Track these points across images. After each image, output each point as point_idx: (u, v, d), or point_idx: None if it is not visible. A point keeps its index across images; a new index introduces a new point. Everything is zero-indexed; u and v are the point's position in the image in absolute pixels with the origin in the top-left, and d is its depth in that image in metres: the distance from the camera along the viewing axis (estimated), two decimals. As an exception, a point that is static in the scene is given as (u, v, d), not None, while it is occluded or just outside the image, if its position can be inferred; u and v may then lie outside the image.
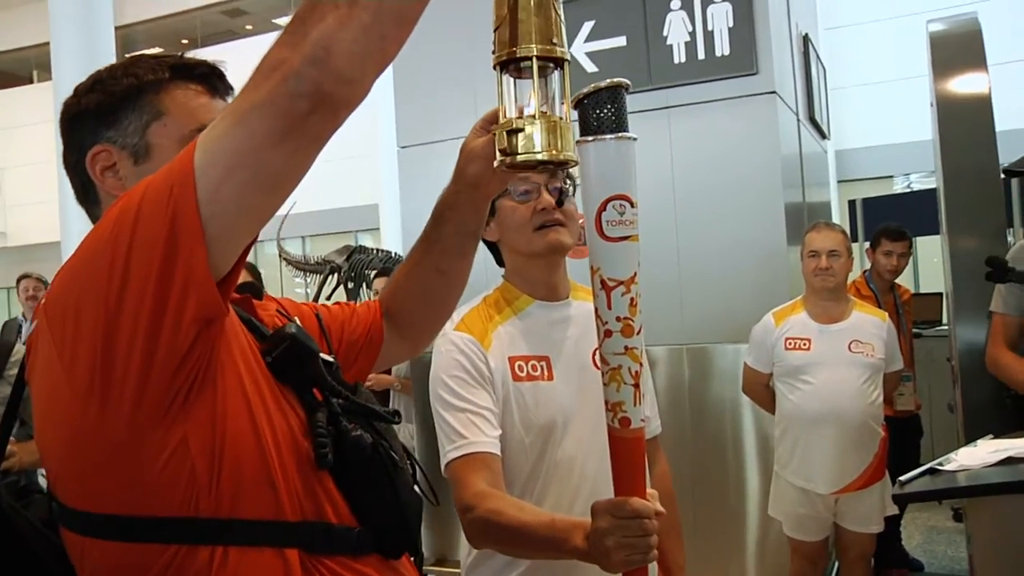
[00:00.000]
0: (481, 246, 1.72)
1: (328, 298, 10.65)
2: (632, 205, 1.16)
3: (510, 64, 1.02)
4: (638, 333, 1.19)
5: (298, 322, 1.11)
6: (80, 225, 1.55)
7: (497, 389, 1.62)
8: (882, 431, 3.16)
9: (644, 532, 1.21)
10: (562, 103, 1.03)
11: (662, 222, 3.74)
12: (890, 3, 11.78)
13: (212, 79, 1.09)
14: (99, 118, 1.04)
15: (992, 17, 10.06)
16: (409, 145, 4.31)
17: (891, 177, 12.07)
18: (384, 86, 9.88)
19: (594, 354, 1.73)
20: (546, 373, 1.66)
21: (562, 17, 0.99)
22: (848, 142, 11.29)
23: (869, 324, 3.19)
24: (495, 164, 1.06)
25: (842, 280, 3.21)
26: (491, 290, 1.76)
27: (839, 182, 11.40)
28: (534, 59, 0.98)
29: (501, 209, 1.71)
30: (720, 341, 3.73)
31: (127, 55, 1.11)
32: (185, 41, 17.85)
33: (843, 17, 11.57)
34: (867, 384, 3.10)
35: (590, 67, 3.86)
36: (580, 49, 3.86)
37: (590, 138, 1.15)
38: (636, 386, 1.19)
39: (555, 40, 1.00)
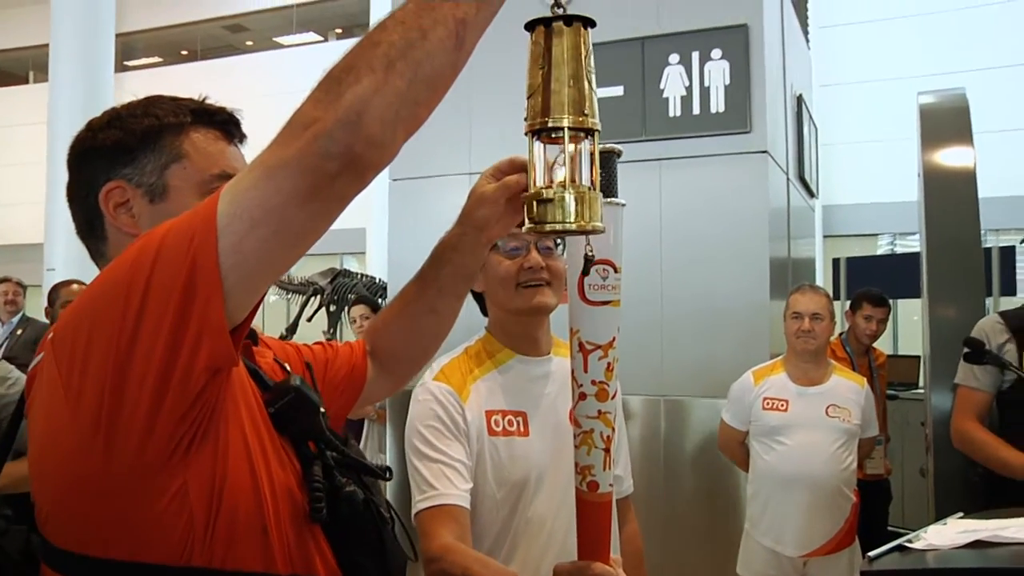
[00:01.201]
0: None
1: (309, 320, 10.62)
2: (616, 271, 1.17)
3: (542, 132, 1.03)
4: (612, 398, 1.19)
5: (291, 371, 1.12)
6: (65, 229, 1.55)
7: (472, 442, 1.61)
8: (854, 496, 3.17)
9: None
10: (591, 170, 1.04)
11: (648, 272, 3.76)
12: (884, 65, 11.99)
13: (229, 126, 1.12)
14: (116, 155, 1.05)
15: (978, 87, 10.27)
16: (400, 178, 4.32)
17: (876, 235, 12.20)
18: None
19: (571, 413, 1.73)
20: (522, 428, 1.66)
21: (595, 88, 1.00)
22: (836, 198, 11.42)
23: (847, 389, 3.21)
24: (523, 229, 1.06)
25: (823, 343, 3.23)
26: (473, 341, 1.76)
27: (825, 237, 11.52)
28: (566, 130, 0.99)
29: (488, 261, 1.70)
30: (698, 395, 3.74)
31: (143, 98, 1.11)
32: (185, 52, 17.90)
33: (838, 75, 11.75)
34: (842, 449, 3.12)
35: (586, 114, 3.89)
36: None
37: None
38: (607, 451, 1.19)
39: (587, 111, 1.00)
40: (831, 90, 11.51)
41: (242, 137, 1.14)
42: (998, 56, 11.45)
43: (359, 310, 4.84)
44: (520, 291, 1.66)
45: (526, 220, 1.05)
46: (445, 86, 0.89)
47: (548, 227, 1.02)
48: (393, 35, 0.84)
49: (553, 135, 1.02)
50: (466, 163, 4.12)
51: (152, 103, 1.08)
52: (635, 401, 3.76)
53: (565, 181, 1.01)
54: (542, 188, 1.03)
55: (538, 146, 1.03)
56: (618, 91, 3.84)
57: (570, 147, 1.00)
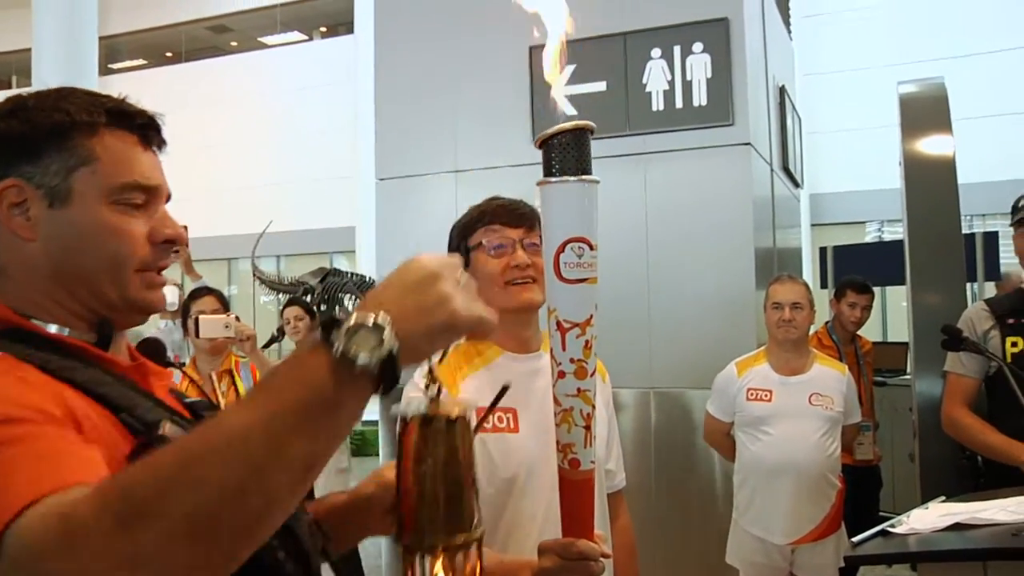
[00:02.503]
0: None
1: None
2: (591, 248, 1.16)
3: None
4: (591, 375, 1.20)
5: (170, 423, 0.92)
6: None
7: None
8: (839, 483, 3.21)
9: (589, 574, 1.23)
10: None
11: (634, 266, 3.79)
12: (867, 53, 12.03)
13: (148, 130, 1.01)
14: (16, 149, 0.94)
15: (958, 74, 10.32)
16: (387, 178, 4.34)
17: (863, 223, 12.26)
18: (366, 112, 9.86)
19: None
20: (512, 425, 1.67)
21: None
22: (822, 187, 11.48)
23: (829, 377, 3.25)
24: None
25: (804, 332, 3.27)
26: (462, 338, 1.78)
27: (812, 225, 11.58)
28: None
29: (475, 260, 1.71)
30: (688, 386, 3.77)
31: (53, 88, 1.00)
32: (169, 54, 17.83)
33: (822, 64, 11.79)
34: (825, 437, 3.15)
35: (570, 110, 3.91)
36: (561, 92, 3.91)
37: (552, 179, 1.16)
38: (587, 428, 1.21)
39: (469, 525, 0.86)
40: (815, 79, 11.56)
41: (160, 143, 1.03)
42: (977, 43, 11.52)
43: (292, 311, 4.83)
44: (508, 289, 1.66)
45: None
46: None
47: None
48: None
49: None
50: (452, 161, 4.15)
51: (64, 96, 0.97)
52: (625, 394, 3.79)
53: None
54: None
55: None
56: (601, 86, 3.86)
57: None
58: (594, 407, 1.22)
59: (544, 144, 1.19)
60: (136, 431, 0.87)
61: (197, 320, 3.23)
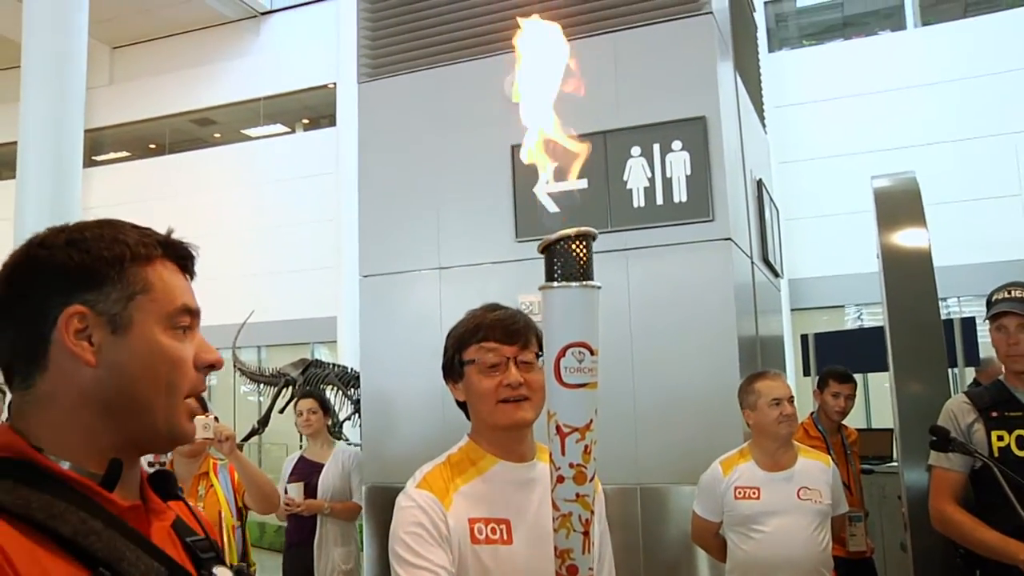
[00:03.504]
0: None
1: (282, 411, 10.49)
2: (592, 353, 1.17)
3: None
4: (590, 480, 1.19)
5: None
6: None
7: (454, 549, 1.61)
8: None
9: None
10: None
11: (618, 361, 3.80)
12: (840, 141, 12.36)
13: (187, 261, 1.09)
14: (78, 278, 0.98)
15: (928, 161, 10.59)
16: (371, 275, 4.35)
17: (843, 307, 12.39)
18: (348, 203, 9.95)
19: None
20: (505, 536, 1.65)
21: None
22: (800, 272, 11.63)
23: (815, 469, 3.23)
24: None
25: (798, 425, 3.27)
26: (455, 449, 1.76)
27: (793, 310, 11.69)
28: None
29: (468, 376, 1.71)
30: (674, 481, 3.73)
31: (102, 220, 1.06)
32: (153, 146, 18.02)
33: (796, 153, 12.09)
34: (817, 531, 3.12)
35: (552, 207, 3.98)
36: (543, 189, 3.99)
37: (555, 284, 1.18)
38: (586, 534, 1.20)
39: None
40: (790, 167, 11.83)
41: (193, 274, 1.11)
42: (946, 131, 11.87)
43: (306, 403, 4.76)
44: (500, 407, 1.66)
45: None
46: None
47: None
48: None
49: None
50: (435, 259, 4.18)
51: (119, 228, 1.04)
52: (611, 490, 3.73)
53: None
54: None
55: None
56: (583, 184, 3.93)
57: None
58: (593, 512, 1.21)
59: (547, 249, 1.21)
60: None
61: None
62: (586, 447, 1.18)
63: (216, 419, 3.36)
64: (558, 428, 1.18)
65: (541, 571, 1.60)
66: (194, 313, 1.06)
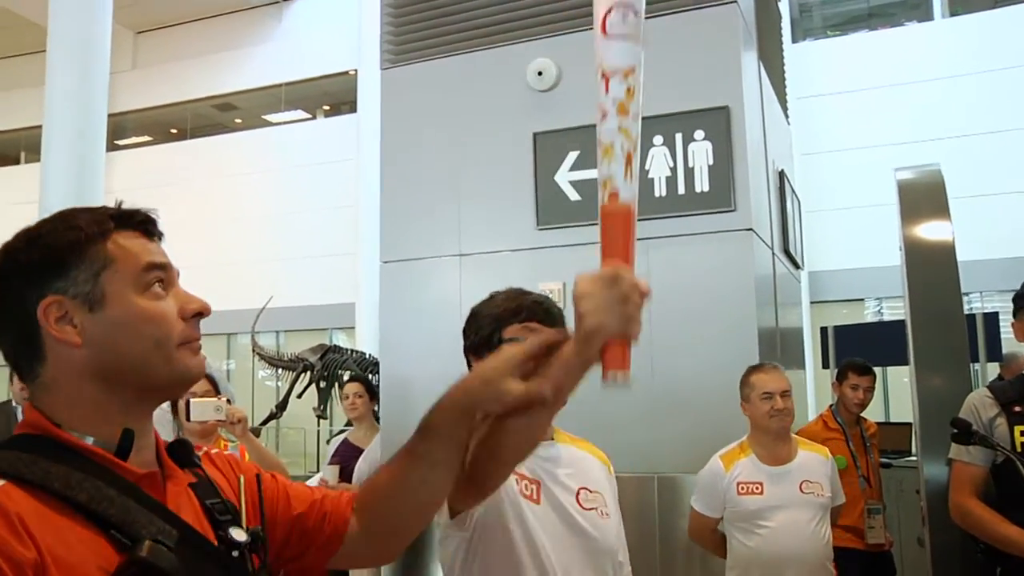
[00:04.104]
0: None
1: (300, 396, 10.57)
2: (635, 15, 1.23)
3: None
4: (634, 118, 1.24)
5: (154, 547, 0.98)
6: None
7: (504, 495, 1.65)
8: (834, 570, 3.17)
9: (623, 298, 1.15)
10: None
11: (636, 350, 3.77)
12: (863, 133, 12.24)
13: (147, 225, 1.13)
14: (44, 272, 1.05)
15: (954, 154, 10.50)
16: (391, 260, 4.36)
17: (863, 300, 12.31)
18: (368, 190, 9.96)
19: (578, 494, 1.79)
20: (536, 496, 1.72)
21: None
22: (821, 264, 11.55)
23: (815, 462, 3.22)
24: None
25: (793, 420, 3.24)
26: None
27: (812, 303, 11.62)
28: None
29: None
30: (692, 471, 3.72)
31: (54, 214, 1.12)
32: (174, 131, 18.13)
33: (818, 144, 11.99)
34: (819, 525, 3.11)
35: (573, 195, 3.97)
36: (564, 177, 3.98)
37: None
38: (628, 163, 1.23)
39: None
40: (812, 158, 11.74)
41: (160, 234, 1.15)
42: (970, 124, 11.73)
43: (353, 387, 4.78)
44: None
45: None
46: None
47: None
48: None
49: None
50: (456, 245, 4.18)
51: (68, 216, 1.09)
52: (627, 479, 3.72)
53: None
54: None
55: None
56: (604, 172, 3.91)
57: None
58: (636, 147, 1.24)
59: None
60: (122, 549, 0.96)
61: (188, 403, 3.20)
62: (628, 88, 1.22)
63: (229, 401, 3.37)
64: (603, 74, 1.24)
65: (557, 540, 1.70)
66: (163, 267, 1.10)
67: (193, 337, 1.11)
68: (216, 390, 3.53)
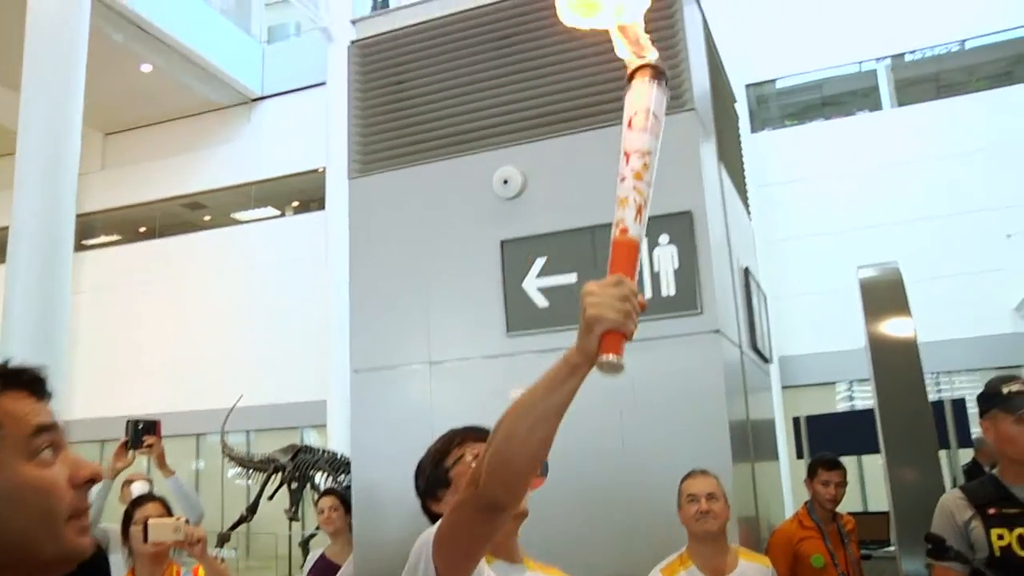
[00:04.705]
0: None
1: (271, 498, 10.35)
2: (656, 119, 1.42)
3: None
4: (647, 184, 1.40)
5: None
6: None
7: None
8: None
9: (623, 297, 1.28)
10: None
11: (609, 456, 3.79)
12: (824, 219, 12.53)
13: (36, 384, 1.06)
14: None
15: (910, 239, 10.73)
16: (362, 369, 4.35)
17: (833, 384, 12.40)
18: (338, 287, 9.97)
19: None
20: None
21: None
22: (790, 349, 11.68)
23: (756, 572, 3.21)
24: None
25: (722, 524, 3.22)
26: None
27: (784, 387, 11.69)
28: None
29: (457, 477, 1.84)
30: None
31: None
32: (143, 230, 18.12)
33: (781, 231, 12.25)
34: None
35: (542, 302, 4.01)
36: (533, 284, 4.03)
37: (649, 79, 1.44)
38: (639, 212, 1.38)
39: None
40: (775, 245, 11.98)
41: (49, 394, 1.07)
42: (925, 208, 12.08)
43: (328, 501, 4.67)
44: None
45: None
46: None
47: None
48: None
49: None
50: (426, 352, 4.19)
51: None
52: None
53: None
54: None
55: None
56: (571, 278, 3.97)
57: None
58: (646, 203, 1.39)
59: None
60: None
61: (146, 525, 3.18)
62: (645, 163, 1.39)
63: (187, 521, 3.33)
64: (624, 152, 1.40)
65: None
66: (52, 429, 1.03)
67: (83, 509, 1.03)
68: (168, 512, 3.47)
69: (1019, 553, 2.63)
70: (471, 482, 1.40)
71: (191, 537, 3.23)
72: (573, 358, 1.31)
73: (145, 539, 3.16)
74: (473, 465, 1.79)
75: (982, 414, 2.91)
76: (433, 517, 1.90)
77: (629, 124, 1.42)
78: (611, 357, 1.28)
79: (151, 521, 3.18)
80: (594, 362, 1.29)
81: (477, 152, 4.35)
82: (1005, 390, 2.82)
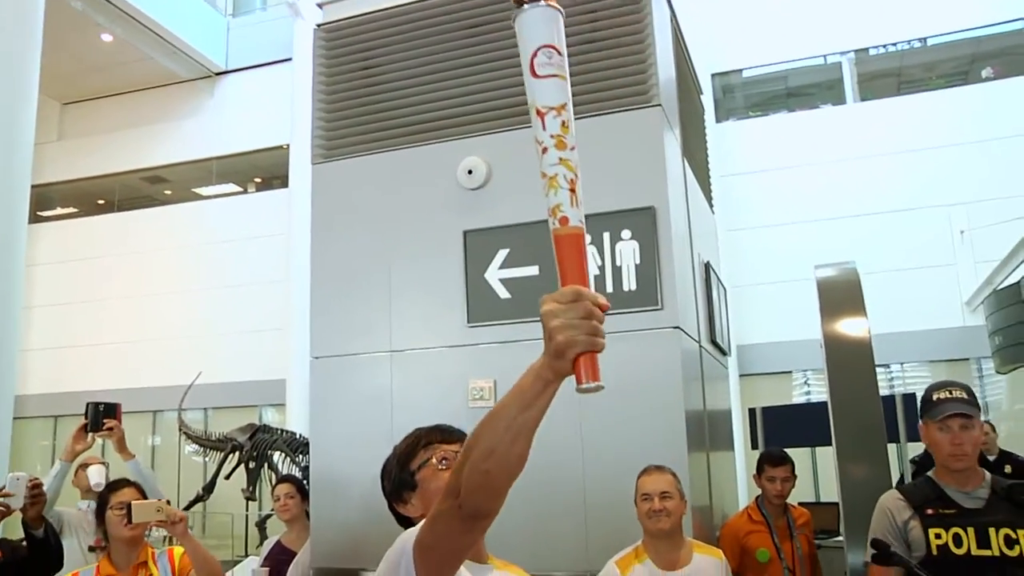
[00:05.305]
0: None
1: (227, 477, 10.30)
2: (559, 54, 1.34)
3: None
4: (571, 149, 1.34)
5: None
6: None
7: None
8: None
9: (587, 314, 1.26)
10: None
11: (567, 448, 3.82)
12: (783, 209, 12.67)
13: None
14: None
15: (869, 232, 10.88)
16: (322, 356, 4.34)
17: (790, 372, 12.60)
18: (299, 265, 9.91)
19: None
20: None
21: None
22: (748, 338, 11.82)
23: (710, 566, 3.30)
24: None
25: (677, 521, 3.29)
26: None
27: (741, 375, 11.86)
28: None
29: (423, 480, 1.82)
30: (624, 568, 3.73)
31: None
32: (101, 202, 17.80)
33: (742, 220, 12.36)
34: None
35: (503, 293, 4.02)
36: (495, 275, 4.03)
37: (525, 7, 1.35)
38: (572, 191, 1.32)
39: None
40: (736, 234, 12.10)
41: None
42: (885, 201, 12.26)
43: (284, 488, 4.66)
44: None
45: None
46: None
47: None
48: None
49: None
50: (387, 341, 4.18)
51: None
52: (558, 579, 3.74)
53: None
54: None
55: None
56: (533, 271, 3.98)
57: None
58: (577, 175, 1.33)
59: None
60: None
61: (129, 507, 3.29)
62: (563, 122, 1.34)
63: (168, 502, 3.44)
64: (537, 111, 1.34)
65: None
66: None
67: None
68: (143, 495, 3.53)
69: (955, 552, 2.72)
70: (450, 493, 1.39)
71: (173, 517, 3.34)
72: (545, 374, 1.31)
73: (129, 520, 3.28)
74: (440, 468, 1.81)
75: (919, 418, 3.01)
76: (400, 518, 1.90)
77: (531, 69, 1.35)
78: (591, 384, 1.29)
79: (135, 503, 3.32)
80: (565, 376, 1.30)
81: (442, 141, 4.33)
82: (934, 397, 2.92)
